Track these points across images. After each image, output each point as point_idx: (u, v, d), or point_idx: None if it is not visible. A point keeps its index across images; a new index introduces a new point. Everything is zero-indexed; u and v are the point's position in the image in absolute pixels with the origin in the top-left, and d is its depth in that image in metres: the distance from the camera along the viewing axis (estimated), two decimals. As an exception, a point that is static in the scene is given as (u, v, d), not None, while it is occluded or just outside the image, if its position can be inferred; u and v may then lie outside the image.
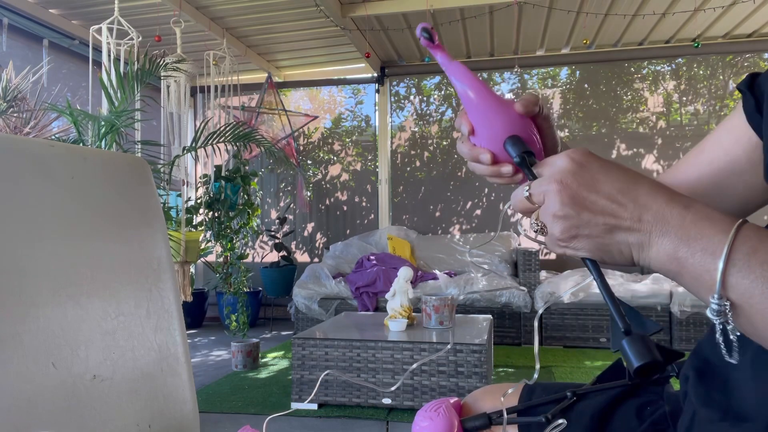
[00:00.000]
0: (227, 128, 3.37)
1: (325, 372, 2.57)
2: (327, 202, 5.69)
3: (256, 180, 4.67)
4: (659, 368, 0.47)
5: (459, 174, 5.38)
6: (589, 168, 0.51)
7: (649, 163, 5.07)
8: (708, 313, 0.46)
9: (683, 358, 0.64)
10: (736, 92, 4.91)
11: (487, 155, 0.62)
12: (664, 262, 0.48)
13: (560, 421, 0.60)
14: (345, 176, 5.69)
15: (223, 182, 4.16)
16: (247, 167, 4.43)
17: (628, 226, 0.48)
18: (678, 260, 0.47)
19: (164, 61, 3.12)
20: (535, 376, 0.66)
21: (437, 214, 5.42)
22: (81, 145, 2.63)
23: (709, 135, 0.74)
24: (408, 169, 5.55)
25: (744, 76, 0.67)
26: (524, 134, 0.62)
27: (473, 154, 0.63)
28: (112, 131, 2.64)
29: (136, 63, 2.93)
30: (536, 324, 0.66)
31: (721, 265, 0.44)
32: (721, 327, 0.46)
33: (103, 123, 2.64)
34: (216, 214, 4.02)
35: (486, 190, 5.30)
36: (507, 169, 0.61)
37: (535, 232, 0.53)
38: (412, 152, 5.55)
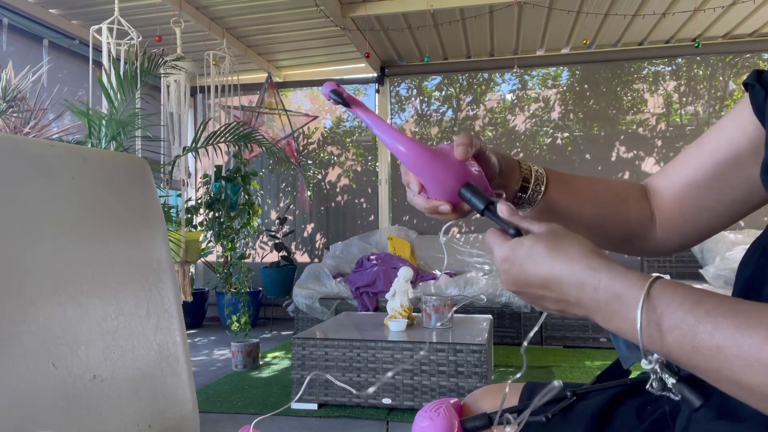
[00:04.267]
0: (227, 128, 3.37)
1: (312, 373, 2.57)
2: (327, 202, 5.69)
3: (256, 180, 4.66)
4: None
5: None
6: (515, 263, 0.56)
7: (649, 163, 5.07)
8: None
9: None
10: (737, 92, 4.94)
11: (447, 206, 0.64)
12: (612, 330, 0.53)
13: (555, 382, 0.62)
14: (345, 177, 5.69)
15: (223, 182, 4.16)
16: (246, 167, 4.43)
17: (563, 307, 0.56)
18: (617, 331, 0.52)
19: (163, 59, 3.11)
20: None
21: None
22: (90, 146, 2.63)
23: (710, 129, 0.73)
24: (408, 169, 5.54)
25: (748, 73, 0.67)
26: (473, 177, 0.63)
27: (431, 207, 0.65)
28: (125, 132, 2.65)
29: (135, 62, 2.93)
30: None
31: (640, 340, 0.49)
32: (653, 378, 0.53)
33: (119, 124, 2.65)
34: (216, 214, 4.02)
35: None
36: (467, 208, 0.65)
37: None
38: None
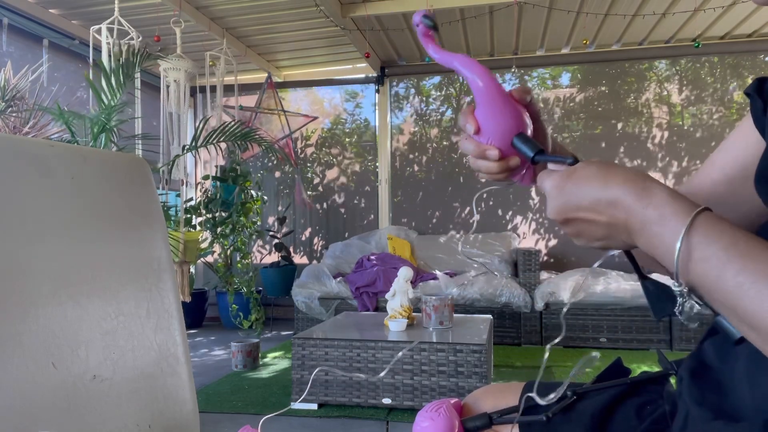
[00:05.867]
0: (226, 127, 3.37)
1: (317, 369, 2.57)
2: (326, 203, 5.68)
3: (250, 180, 4.65)
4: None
5: (459, 174, 5.38)
6: (567, 185, 0.57)
7: (649, 165, 5.06)
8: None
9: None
10: (737, 94, 4.92)
11: (495, 151, 0.64)
12: (649, 252, 0.54)
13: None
14: (345, 177, 5.69)
15: (218, 183, 4.16)
16: (240, 168, 4.42)
17: (609, 233, 0.56)
18: (653, 252, 0.53)
19: (146, 51, 3.07)
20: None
21: (437, 215, 5.42)
22: (76, 144, 2.63)
23: (722, 143, 0.74)
24: (408, 169, 5.55)
25: (752, 81, 0.66)
26: (527, 129, 0.65)
27: (480, 150, 0.65)
28: (105, 131, 2.64)
29: (121, 57, 2.91)
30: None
31: (675, 264, 0.50)
32: (680, 302, 0.53)
33: (94, 122, 2.64)
34: (214, 215, 4.03)
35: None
36: (515, 161, 0.65)
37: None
38: (412, 153, 5.55)
